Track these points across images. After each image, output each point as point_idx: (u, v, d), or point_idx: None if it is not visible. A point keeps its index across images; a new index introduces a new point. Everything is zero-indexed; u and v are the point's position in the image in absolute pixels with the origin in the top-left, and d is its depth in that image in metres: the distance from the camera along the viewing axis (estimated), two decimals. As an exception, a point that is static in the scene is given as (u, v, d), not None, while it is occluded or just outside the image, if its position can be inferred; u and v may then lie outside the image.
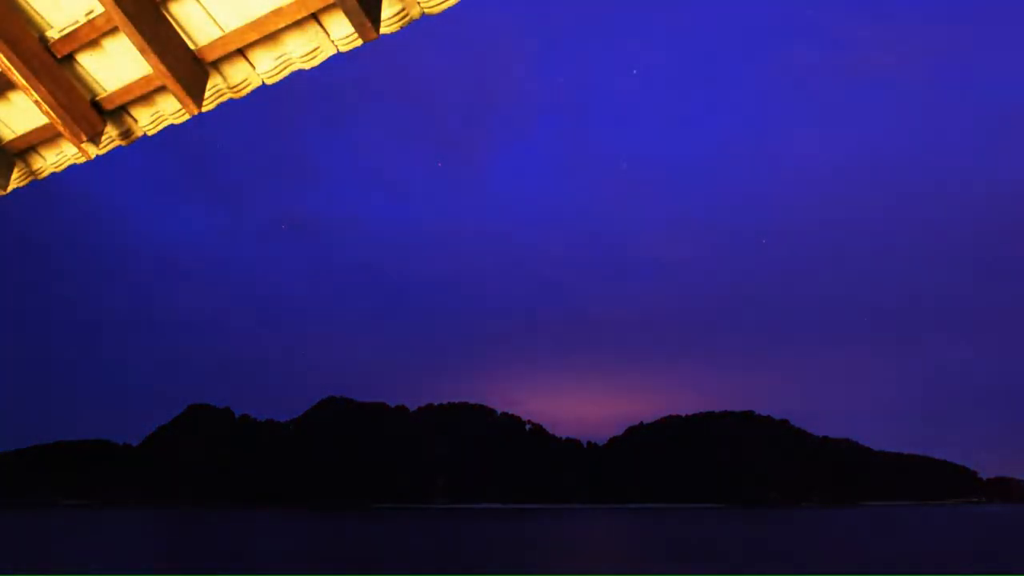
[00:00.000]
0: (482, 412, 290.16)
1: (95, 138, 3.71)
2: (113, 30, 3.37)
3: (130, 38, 3.26)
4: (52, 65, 3.48)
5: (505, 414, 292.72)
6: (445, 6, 3.12)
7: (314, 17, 3.27)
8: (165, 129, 3.83)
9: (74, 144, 3.69)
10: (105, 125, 3.73)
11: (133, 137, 3.83)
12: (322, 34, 3.32)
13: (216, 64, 3.53)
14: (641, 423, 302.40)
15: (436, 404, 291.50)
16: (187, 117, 3.66)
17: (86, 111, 3.63)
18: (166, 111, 3.68)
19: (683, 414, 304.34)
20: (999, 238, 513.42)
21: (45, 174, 4.10)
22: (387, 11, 3.20)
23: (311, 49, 3.37)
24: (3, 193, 4.12)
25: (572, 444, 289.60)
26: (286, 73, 3.48)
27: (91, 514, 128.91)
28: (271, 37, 3.37)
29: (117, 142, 3.84)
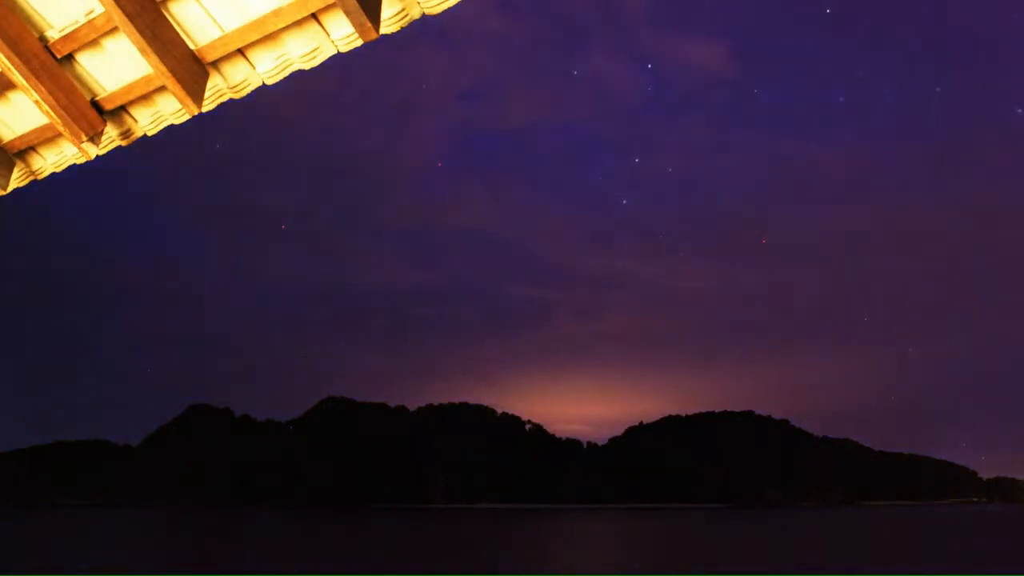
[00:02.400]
0: (482, 412, 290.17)
1: (95, 138, 3.71)
2: (113, 30, 3.37)
3: (130, 38, 3.26)
4: (52, 65, 3.48)
5: (505, 414, 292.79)
6: (445, 6, 3.12)
7: (314, 17, 3.27)
8: (166, 129, 3.83)
9: (74, 144, 3.69)
10: (105, 125, 3.73)
11: (133, 137, 3.83)
12: (322, 34, 3.32)
13: (216, 64, 3.53)
14: (641, 423, 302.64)
15: (436, 404, 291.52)
16: (187, 117, 3.66)
17: (86, 111, 3.63)
18: (166, 111, 3.68)
19: (683, 414, 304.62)
20: (1000, 237, 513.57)
21: (45, 174, 4.10)
22: (387, 11, 3.20)
23: (311, 49, 3.37)
24: (3, 193, 4.12)
25: (572, 444, 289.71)
26: (286, 73, 3.48)
27: (91, 514, 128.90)
28: (271, 37, 3.37)
29: (117, 142, 3.84)
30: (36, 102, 3.50)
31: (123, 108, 3.74)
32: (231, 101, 3.68)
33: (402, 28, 3.27)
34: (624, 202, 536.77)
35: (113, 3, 3.14)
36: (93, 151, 3.79)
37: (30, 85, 3.42)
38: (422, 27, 3.45)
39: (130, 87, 3.60)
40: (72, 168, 4.07)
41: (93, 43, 3.48)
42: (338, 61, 3.56)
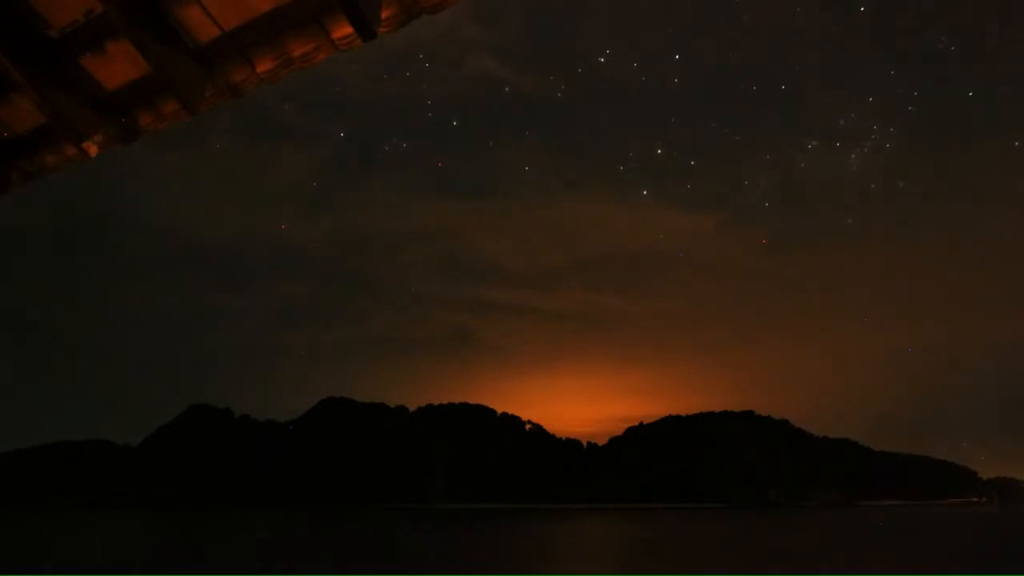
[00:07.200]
0: (482, 412, 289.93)
1: (95, 138, 3.71)
2: (113, 30, 3.38)
3: (130, 38, 3.26)
4: (52, 65, 3.48)
5: (505, 414, 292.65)
6: (445, 6, 3.13)
7: (314, 17, 3.28)
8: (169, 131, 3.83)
9: (74, 144, 3.69)
10: (105, 125, 3.73)
11: (133, 137, 3.83)
12: (322, 34, 3.32)
13: (216, 64, 3.53)
14: (641, 423, 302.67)
15: (436, 404, 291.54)
16: (187, 117, 3.66)
17: (86, 111, 3.63)
18: (166, 111, 3.69)
19: (683, 414, 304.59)
20: (999, 236, 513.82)
21: (45, 174, 4.10)
22: (387, 11, 3.20)
23: (311, 49, 3.37)
24: (3, 193, 4.12)
25: (572, 444, 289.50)
26: (286, 73, 3.49)
27: (91, 514, 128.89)
28: (271, 37, 3.37)
29: (117, 142, 3.84)
30: (36, 102, 3.50)
31: (123, 108, 3.74)
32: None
33: (401, 27, 3.27)
34: (623, 200, 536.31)
35: (113, 3, 3.14)
36: (93, 151, 3.79)
37: (30, 85, 3.43)
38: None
39: (130, 87, 3.60)
40: (77, 165, 4.07)
41: (93, 43, 3.48)
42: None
